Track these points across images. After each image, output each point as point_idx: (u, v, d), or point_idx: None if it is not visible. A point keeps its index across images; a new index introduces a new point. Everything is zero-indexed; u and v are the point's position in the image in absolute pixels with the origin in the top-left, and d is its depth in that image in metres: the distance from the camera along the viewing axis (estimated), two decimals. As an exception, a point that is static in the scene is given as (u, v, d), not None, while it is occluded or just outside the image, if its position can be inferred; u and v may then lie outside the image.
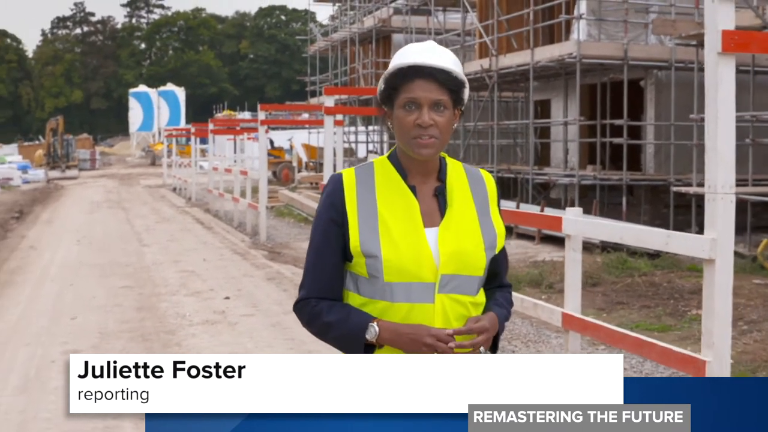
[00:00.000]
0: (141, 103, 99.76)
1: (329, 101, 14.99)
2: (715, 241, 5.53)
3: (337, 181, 3.18)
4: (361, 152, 40.15)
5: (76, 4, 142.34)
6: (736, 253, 15.09)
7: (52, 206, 31.94)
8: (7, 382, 8.39)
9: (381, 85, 3.15)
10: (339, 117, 20.88)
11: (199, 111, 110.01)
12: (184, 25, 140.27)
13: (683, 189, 17.85)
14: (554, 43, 23.03)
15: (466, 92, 3.14)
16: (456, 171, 3.23)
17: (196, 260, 16.71)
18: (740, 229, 16.80)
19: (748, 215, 17.01)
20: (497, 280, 3.28)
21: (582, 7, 21.93)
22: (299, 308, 3.20)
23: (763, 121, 17.69)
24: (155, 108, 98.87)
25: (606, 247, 15.30)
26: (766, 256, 14.85)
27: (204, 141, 36.25)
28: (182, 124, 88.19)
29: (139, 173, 58.44)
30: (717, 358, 5.58)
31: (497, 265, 3.25)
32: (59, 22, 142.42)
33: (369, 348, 3.04)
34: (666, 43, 21.44)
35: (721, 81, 5.49)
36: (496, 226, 3.20)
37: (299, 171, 42.88)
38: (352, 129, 41.53)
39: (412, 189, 3.12)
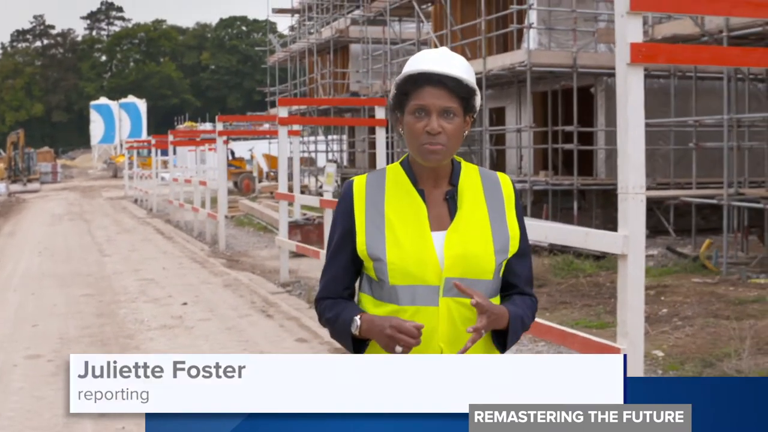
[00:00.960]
0: (102, 116, 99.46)
1: (283, 112, 15.39)
2: (627, 238, 5.98)
3: (348, 187, 3.24)
4: (321, 161, 40.53)
5: (35, 17, 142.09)
6: (680, 254, 15.70)
7: (14, 219, 32.11)
8: (-29, 385, 8.73)
9: (392, 90, 3.20)
10: (296, 127, 21.28)
11: (161, 122, 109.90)
12: (144, 37, 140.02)
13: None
14: (507, 52, 23.57)
15: (478, 99, 3.16)
16: (470, 175, 3.23)
17: (155, 269, 17.06)
18: (685, 231, 17.44)
19: (693, 217, 17.55)
20: (514, 286, 3.26)
21: (532, 17, 22.49)
22: (315, 307, 3.30)
23: (706, 126, 18.23)
24: (116, 120, 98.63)
25: (553, 249, 15.77)
26: (708, 256, 15.39)
27: (165, 152, 36.49)
28: (144, 136, 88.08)
29: (101, 185, 58.50)
30: (631, 346, 6.04)
31: (513, 271, 3.24)
32: (19, 35, 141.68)
33: (359, 342, 3.11)
34: (614, 50, 21.99)
35: (630, 90, 5.97)
36: (510, 230, 3.19)
37: (260, 181, 43.22)
38: (312, 138, 41.97)
39: (421, 193, 3.16)
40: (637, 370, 6.07)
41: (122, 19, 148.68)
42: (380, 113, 15.50)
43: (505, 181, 3.24)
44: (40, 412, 7.69)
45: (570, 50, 21.62)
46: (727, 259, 15.21)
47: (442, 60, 3.09)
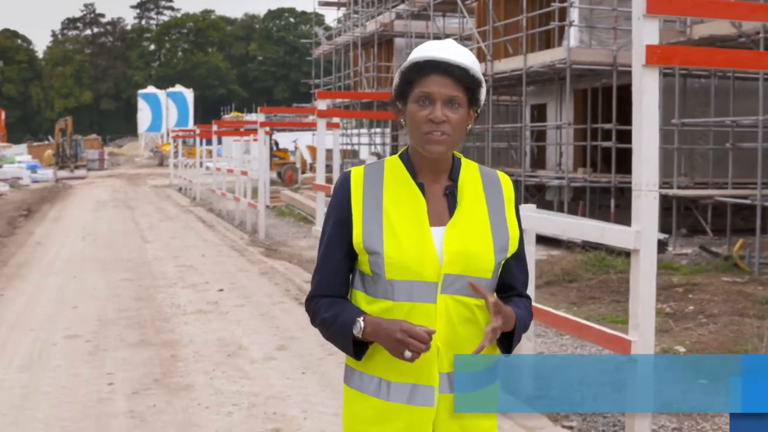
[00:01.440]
0: (150, 105, 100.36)
1: (322, 104, 15.68)
2: (640, 233, 6.17)
3: (344, 179, 3.16)
4: (363, 154, 40.80)
5: (86, 5, 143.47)
6: (713, 253, 15.79)
7: (60, 205, 32.63)
8: (12, 361, 9.07)
9: (396, 79, 3.13)
10: (335, 120, 21.56)
11: (208, 112, 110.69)
12: (193, 27, 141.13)
13: (664, 191, 18.44)
14: (548, 49, 23.69)
15: (483, 92, 3.09)
16: (470, 171, 3.18)
17: (195, 256, 17.40)
18: (724, 231, 17.49)
19: (728, 217, 17.61)
20: (513, 288, 3.22)
21: (574, 15, 22.60)
22: (307, 306, 3.21)
23: (744, 126, 18.28)
24: (164, 109, 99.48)
25: (586, 246, 15.92)
26: (741, 255, 15.48)
27: (210, 142, 36.89)
28: (190, 125, 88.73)
29: (146, 173, 59.14)
30: (642, 337, 6.23)
31: (511, 272, 3.20)
32: (69, 23, 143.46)
33: (360, 345, 3.05)
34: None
35: (645, 90, 6.16)
36: (510, 229, 3.14)
37: (303, 172, 43.48)
38: (356, 131, 42.22)
39: (421, 187, 3.09)
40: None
41: (171, 8, 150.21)
42: (397, 112, 15.67)
43: (505, 180, 3.21)
44: (76, 388, 8.00)
45: (610, 48, 21.68)
46: (759, 259, 15.29)
47: (449, 49, 3.04)
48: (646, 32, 6.13)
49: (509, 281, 3.19)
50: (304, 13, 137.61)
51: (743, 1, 6.98)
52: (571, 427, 7.06)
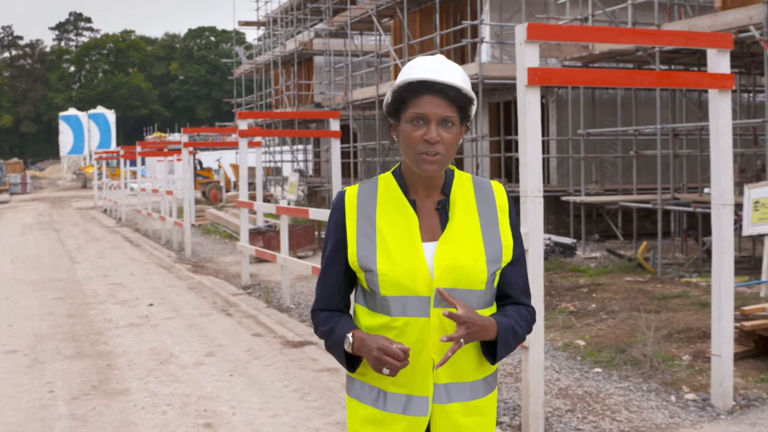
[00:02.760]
0: (71, 126, 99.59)
1: (243, 124, 16.30)
2: (527, 234, 6.93)
3: (339, 199, 3.22)
4: (286, 171, 41.36)
5: (3, 28, 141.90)
6: (620, 256, 16.67)
7: (-15, 229, 32.77)
8: (-47, 376, 9.58)
9: (388, 97, 3.14)
10: (257, 138, 22.16)
11: (131, 133, 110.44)
12: (113, 48, 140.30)
13: (570, 198, 19.35)
14: (463, 65, 24.53)
15: (474, 108, 3.11)
16: (462, 184, 3.21)
17: (124, 274, 17.90)
18: (631, 235, 18.39)
19: (634, 222, 18.52)
20: (509, 296, 3.23)
21: (485, 32, 23.47)
22: (312, 318, 3.31)
23: (646, 135, 19.23)
24: (86, 131, 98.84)
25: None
26: (646, 257, 16.38)
27: (134, 163, 37.19)
28: (113, 146, 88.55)
29: (70, 196, 59.06)
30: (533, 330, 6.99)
31: (507, 281, 3.21)
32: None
33: (353, 358, 3.15)
34: (563, 63, 23.02)
35: (528, 108, 6.93)
36: (504, 239, 3.17)
37: (227, 190, 43.93)
38: (278, 149, 42.79)
39: (413, 204, 3.14)
40: (537, 349, 7.02)
41: (90, 29, 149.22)
42: (335, 125, 16.36)
43: (498, 189, 3.24)
44: (19, 397, 8.55)
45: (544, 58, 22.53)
46: (662, 259, 16.19)
47: (441, 68, 3.06)
48: (528, 56, 6.91)
49: (505, 290, 3.22)
50: (224, 31, 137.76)
51: (612, 26, 7.76)
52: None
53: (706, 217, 16.81)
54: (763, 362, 8.99)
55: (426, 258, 3.06)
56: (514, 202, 3.50)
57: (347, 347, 3.07)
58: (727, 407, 7.68)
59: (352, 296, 3.32)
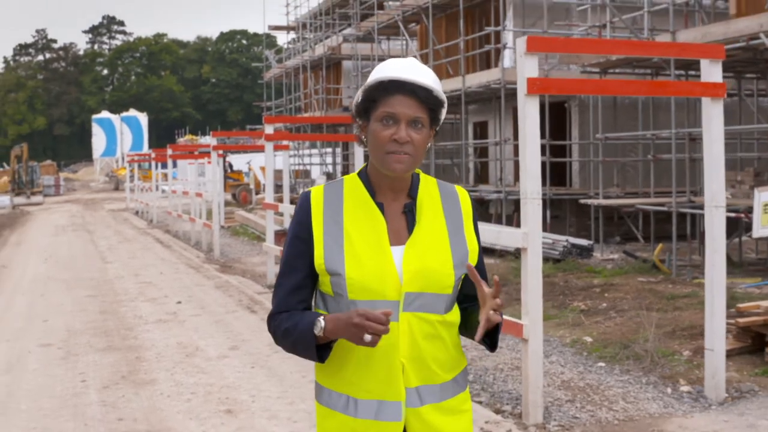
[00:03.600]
0: (104, 129, 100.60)
1: (269, 129, 16.82)
2: (527, 234, 7.40)
3: (304, 199, 3.16)
4: (315, 173, 41.93)
5: (38, 31, 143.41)
6: (636, 257, 17.05)
7: (20, 230, 33.53)
8: (-8, 367, 10.18)
9: (358, 96, 3.11)
10: (284, 142, 22.70)
11: (162, 135, 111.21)
12: (146, 51, 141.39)
13: (587, 201, 19.77)
14: (487, 70, 24.99)
15: (444, 112, 3.11)
16: (428, 188, 3.19)
17: (153, 273, 18.50)
18: (660, 238, 18.76)
19: (652, 224, 18.88)
20: (475, 299, 3.17)
21: (508, 37, 23.92)
22: (268, 324, 3.22)
23: (662, 139, 19.61)
24: (118, 133, 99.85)
25: (517, 253, 17.14)
26: (662, 259, 16.77)
27: (165, 165, 37.86)
28: (145, 149, 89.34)
29: (102, 198, 59.94)
30: (531, 322, 7.47)
31: (471, 284, 3.14)
32: (21, 49, 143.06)
33: (322, 349, 3.07)
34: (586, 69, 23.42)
35: (527, 115, 7.41)
36: (469, 243, 3.17)
37: (257, 193, 44.50)
38: (307, 152, 43.37)
39: (380, 206, 3.10)
40: (536, 341, 7.49)
41: (123, 33, 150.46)
42: (357, 129, 16.83)
43: (463, 194, 3.24)
44: (53, 386, 9.12)
45: (543, 68, 22.95)
46: (678, 261, 16.59)
47: (413, 69, 3.06)
48: (527, 67, 7.40)
49: (472, 292, 3.16)
50: (255, 34, 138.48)
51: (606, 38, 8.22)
52: (480, 402, 8.29)
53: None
54: (759, 357, 9.41)
55: (395, 262, 3.05)
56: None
57: (318, 331, 2.99)
58: (720, 399, 8.12)
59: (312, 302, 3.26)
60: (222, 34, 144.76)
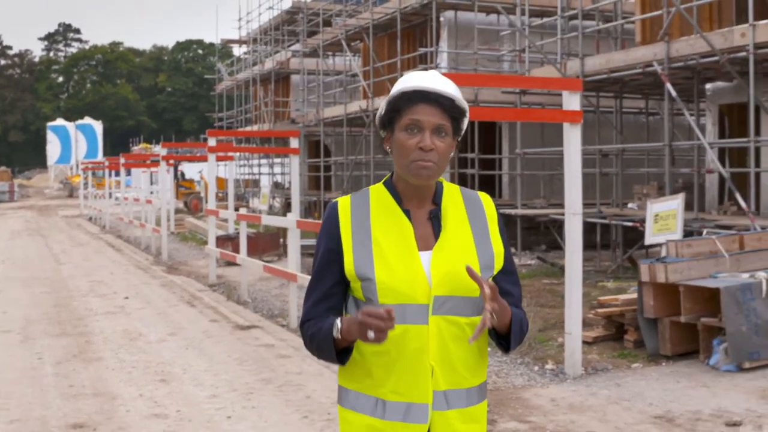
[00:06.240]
0: (59, 136, 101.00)
1: (212, 141, 18.35)
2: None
3: (332, 209, 3.22)
4: (264, 182, 43.37)
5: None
6: (549, 263, 18.69)
7: (-25, 234, 34.76)
8: (-41, 348, 11.65)
9: (383, 108, 3.16)
10: (230, 153, 24.17)
11: (117, 143, 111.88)
12: (101, 59, 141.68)
13: (509, 211, 21.41)
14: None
15: (466, 121, 3.16)
16: (452, 194, 3.23)
17: (104, 274, 19.94)
18: (587, 246, 20.36)
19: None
20: (509, 305, 3.17)
21: (442, 57, 25.60)
22: (301, 332, 3.27)
23: (606, 154, 21.27)
24: (73, 141, 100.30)
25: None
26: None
27: (118, 173, 39.16)
28: (100, 156, 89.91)
29: (57, 204, 60.89)
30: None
31: (501, 289, 3.16)
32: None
33: (343, 353, 3.13)
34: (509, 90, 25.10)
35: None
36: (495, 247, 3.20)
37: (207, 201, 45.72)
38: (256, 162, 44.85)
39: (407, 213, 3.14)
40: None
41: (79, 40, 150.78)
42: (294, 143, 18.44)
43: (486, 200, 3.28)
44: (14, 362, 10.63)
45: (472, 87, 24.61)
46: (588, 267, 18.26)
47: (435, 80, 3.11)
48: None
49: (502, 297, 3.14)
50: (212, 44, 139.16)
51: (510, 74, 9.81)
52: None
53: (627, 230, 18.90)
54: (619, 344, 11.07)
55: (423, 266, 3.09)
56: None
57: (336, 333, 3.06)
58: (576, 374, 9.75)
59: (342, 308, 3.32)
60: (178, 43, 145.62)
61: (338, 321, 3.06)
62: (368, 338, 2.89)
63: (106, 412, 8.33)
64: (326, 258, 3.19)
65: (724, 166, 18.29)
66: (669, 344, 10.29)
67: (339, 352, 3.11)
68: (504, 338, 3.17)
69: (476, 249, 3.14)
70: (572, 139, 9.74)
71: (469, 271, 2.96)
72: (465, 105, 3.14)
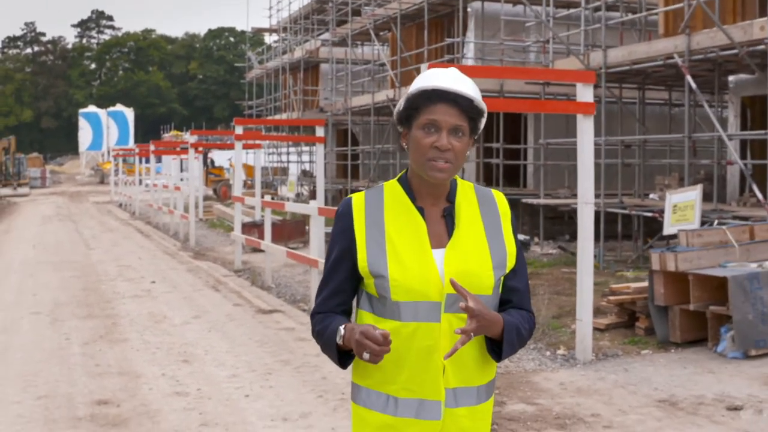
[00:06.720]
0: (90, 123, 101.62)
1: (239, 129, 18.65)
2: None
3: (346, 205, 3.23)
4: (292, 170, 43.69)
5: (26, 24, 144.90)
6: (570, 252, 18.86)
7: (8, 220, 35.25)
8: (-10, 329, 12.05)
9: (401, 104, 3.16)
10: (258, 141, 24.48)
11: (148, 131, 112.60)
12: (134, 46, 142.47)
13: (532, 201, 21.63)
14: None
15: (483, 121, 3.16)
16: (465, 192, 3.24)
17: (133, 259, 20.35)
18: (608, 237, 20.61)
19: (602, 224, 20.66)
20: (511, 302, 3.25)
21: (468, 48, 25.81)
22: (311, 321, 3.32)
23: (629, 145, 21.43)
24: (104, 128, 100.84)
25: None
26: (594, 254, 18.62)
27: (149, 160, 39.55)
28: (131, 143, 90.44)
29: (88, 191, 61.53)
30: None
31: (509, 287, 3.24)
32: (10, 41, 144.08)
33: (345, 356, 3.17)
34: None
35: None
36: (508, 246, 3.21)
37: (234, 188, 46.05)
38: (284, 150, 45.19)
39: (420, 211, 3.15)
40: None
41: (112, 27, 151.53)
42: (319, 132, 18.72)
43: (500, 198, 3.29)
44: (42, 342, 11.02)
45: (498, 79, 24.80)
46: (608, 257, 18.49)
47: (455, 79, 3.11)
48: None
49: (507, 295, 3.25)
50: (243, 32, 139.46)
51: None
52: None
53: (648, 220, 19.07)
54: (631, 330, 11.31)
55: (436, 264, 3.10)
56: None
57: (339, 340, 3.10)
58: (587, 360, 10.01)
59: (353, 303, 3.35)
60: (210, 31, 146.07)
61: (341, 328, 3.10)
62: (363, 358, 2.96)
63: (130, 390, 8.68)
64: (339, 254, 3.22)
65: (746, 157, 18.47)
66: (678, 331, 10.53)
67: (341, 356, 3.16)
68: (497, 345, 3.17)
69: (489, 247, 3.16)
70: (585, 130, 9.97)
71: (454, 284, 2.99)
72: (483, 105, 3.15)
